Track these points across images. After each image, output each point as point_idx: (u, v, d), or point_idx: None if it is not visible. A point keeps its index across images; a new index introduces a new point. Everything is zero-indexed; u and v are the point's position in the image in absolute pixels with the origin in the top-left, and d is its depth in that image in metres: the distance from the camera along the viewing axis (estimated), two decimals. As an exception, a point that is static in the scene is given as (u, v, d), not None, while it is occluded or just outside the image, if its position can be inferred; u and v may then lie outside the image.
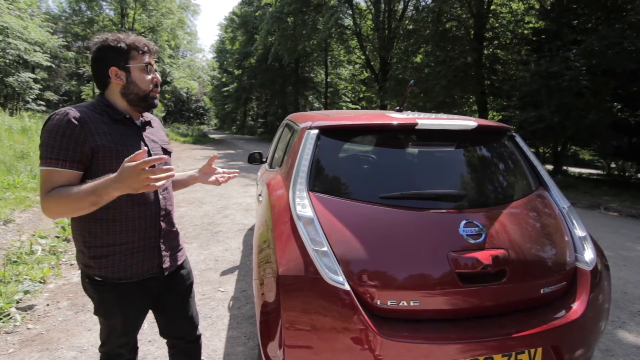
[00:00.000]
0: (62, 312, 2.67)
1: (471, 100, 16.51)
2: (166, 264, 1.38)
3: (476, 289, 1.31)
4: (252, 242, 1.35)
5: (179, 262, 1.47)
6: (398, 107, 2.06)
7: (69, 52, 25.76)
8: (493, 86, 14.39)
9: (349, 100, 29.98)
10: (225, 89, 35.63)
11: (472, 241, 1.34)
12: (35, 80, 19.72)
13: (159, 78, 1.34)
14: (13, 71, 17.81)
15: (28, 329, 2.44)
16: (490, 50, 14.97)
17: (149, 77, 1.30)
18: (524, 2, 14.89)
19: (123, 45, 1.25)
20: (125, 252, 1.27)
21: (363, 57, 20.94)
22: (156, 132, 1.44)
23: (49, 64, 19.94)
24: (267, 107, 33.28)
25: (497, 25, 14.93)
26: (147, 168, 1.00)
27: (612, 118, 9.58)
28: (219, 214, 5.60)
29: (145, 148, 1.13)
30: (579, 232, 1.57)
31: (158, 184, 1.01)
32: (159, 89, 1.35)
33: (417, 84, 14.86)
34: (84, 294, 2.97)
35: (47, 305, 2.76)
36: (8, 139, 8.24)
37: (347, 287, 1.25)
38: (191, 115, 35.13)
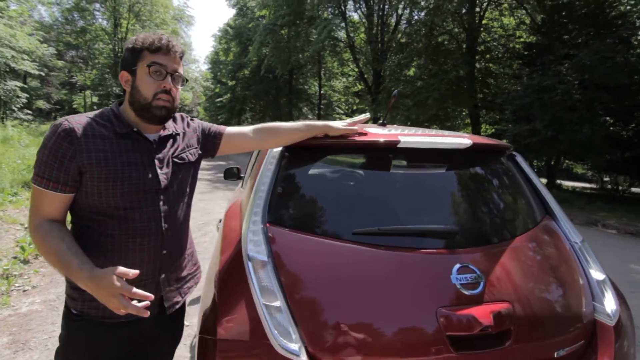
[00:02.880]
0: (-2, 351, 2.32)
1: (464, 113, 16.50)
2: (169, 302, 1.17)
3: (473, 356, 1.02)
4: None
5: (186, 297, 1.25)
6: (382, 121, 1.79)
7: (59, 61, 25.47)
8: (486, 99, 14.37)
9: (342, 112, 29.94)
10: (218, 99, 35.46)
11: (467, 292, 1.05)
12: (23, 89, 19.33)
13: (170, 83, 1.06)
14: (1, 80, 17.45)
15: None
16: (483, 63, 15.01)
17: (152, 80, 1.05)
18: (515, 17, 15.01)
19: (138, 44, 1.06)
20: None
21: (356, 69, 20.91)
22: (180, 143, 1.19)
23: (37, 72, 19.60)
24: (261, 118, 33.14)
25: (489, 39, 15.00)
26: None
27: (605, 132, 9.50)
28: (199, 231, 5.27)
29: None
30: (597, 274, 1.29)
31: (123, 312, 0.90)
32: (171, 97, 1.08)
33: (410, 97, 14.79)
34: (30, 328, 2.61)
35: (-18, 342, 2.40)
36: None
37: (303, 357, 0.95)
38: (183, 125, 35.12)
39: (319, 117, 27.32)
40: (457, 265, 1.09)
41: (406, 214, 1.25)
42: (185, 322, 2.69)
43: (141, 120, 1.09)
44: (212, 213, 6.39)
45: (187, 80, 1.16)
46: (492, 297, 1.07)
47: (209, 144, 1.30)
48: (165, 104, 1.07)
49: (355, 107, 29.67)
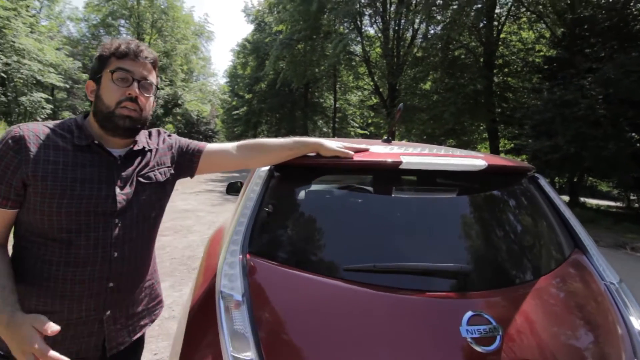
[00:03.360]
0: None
1: (481, 127, 16.14)
2: (111, 342, 0.99)
3: None
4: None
5: (137, 335, 1.07)
6: (387, 137, 1.63)
7: (84, 74, 26.44)
8: (504, 114, 14.03)
9: (357, 125, 29.89)
10: (235, 112, 36.06)
11: (480, 349, 0.86)
12: (48, 100, 20.05)
13: (136, 91, 0.95)
14: (26, 91, 18.15)
15: None
16: (501, 77, 14.72)
17: (116, 87, 0.94)
18: (534, 30, 14.73)
19: (105, 51, 0.96)
20: None
21: (372, 83, 20.85)
22: (150, 160, 1.06)
23: (62, 84, 20.34)
24: (277, 130, 33.43)
25: (507, 53, 14.73)
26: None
27: (632, 149, 9.03)
28: (204, 245, 5.15)
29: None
30: (638, 322, 1.07)
31: None
32: (138, 105, 0.97)
33: (426, 111, 14.58)
34: None
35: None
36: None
37: None
38: (200, 137, 35.67)
39: (334, 131, 27.30)
40: (469, 314, 0.90)
41: (408, 249, 1.06)
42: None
43: (105, 133, 0.97)
44: (220, 226, 6.29)
45: (158, 89, 1.04)
46: (512, 355, 0.87)
47: (186, 162, 1.16)
48: (130, 113, 0.95)
49: (370, 121, 29.57)
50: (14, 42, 16.33)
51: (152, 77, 1.01)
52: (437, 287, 0.97)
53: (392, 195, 1.18)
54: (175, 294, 3.48)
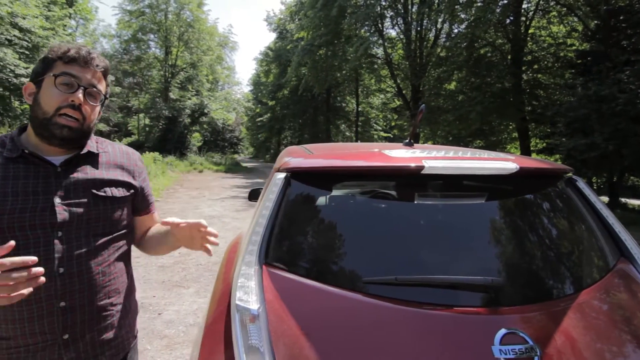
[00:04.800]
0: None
1: (511, 127, 15.56)
2: None
3: None
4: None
5: None
6: (408, 140, 1.56)
7: (117, 87, 27.74)
8: (535, 112, 13.45)
9: (380, 128, 29.61)
10: (259, 119, 36.69)
11: (515, 371, 0.78)
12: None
13: (80, 98, 0.90)
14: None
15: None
16: (530, 74, 14.14)
17: (58, 92, 0.89)
18: (565, 24, 14.08)
19: (52, 54, 0.92)
20: (5, 352, 0.85)
21: (394, 85, 20.61)
22: (104, 169, 1.00)
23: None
24: (300, 136, 33.69)
25: (536, 49, 14.14)
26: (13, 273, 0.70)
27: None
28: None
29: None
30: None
31: (14, 294, 0.71)
32: (81, 114, 0.92)
33: (451, 111, 14.21)
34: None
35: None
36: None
37: None
38: (226, 144, 36.44)
39: (357, 134, 27.16)
40: (502, 331, 0.82)
41: (433, 260, 0.99)
42: None
43: (41, 141, 0.92)
44: (245, 233, 6.35)
45: (106, 99, 0.99)
46: (552, 379, 0.79)
47: (139, 204, 1.13)
48: (69, 122, 0.90)
49: (393, 123, 29.23)
50: (53, 59, 17.37)
51: (101, 86, 0.97)
52: (465, 301, 0.90)
53: (415, 202, 1.11)
54: (201, 300, 3.51)
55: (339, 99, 30.11)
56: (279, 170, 1.22)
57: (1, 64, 14.26)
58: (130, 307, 1.08)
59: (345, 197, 1.18)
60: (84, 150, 0.97)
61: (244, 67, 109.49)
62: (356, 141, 25.55)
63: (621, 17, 10.18)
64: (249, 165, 30.15)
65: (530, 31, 13.82)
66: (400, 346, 0.83)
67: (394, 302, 0.89)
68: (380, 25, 19.30)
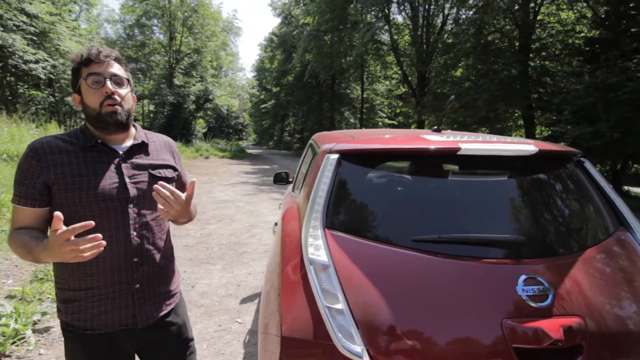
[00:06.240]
0: (77, 337, 2.58)
1: (516, 114, 15.60)
2: (142, 315, 1.16)
3: (541, 371, 0.98)
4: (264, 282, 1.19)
5: (163, 312, 1.22)
6: (436, 127, 1.77)
7: (121, 73, 27.72)
8: (541, 100, 13.49)
9: (385, 116, 29.56)
10: (263, 105, 36.62)
11: (534, 304, 1.02)
12: (90, 100, 21.25)
13: (110, 88, 1.08)
14: (71, 91, 19.35)
15: (40, 354, 2.35)
16: (538, 61, 14.11)
17: (93, 90, 1.07)
18: (575, 10, 13.97)
19: (75, 64, 1.09)
20: (91, 299, 1.09)
21: (400, 72, 20.57)
22: (155, 155, 1.23)
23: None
24: (304, 123, 33.67)
25: (544, 35, 14.08)
26: (72, 237, 0.89)
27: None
28: (247, 232, 5.47)
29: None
30: (680, 291, 1.18)
31: (86, 254, 0.91)
32: (116, 100, 1.09)
33: (457, 99, 14.25)
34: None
35: (64, 328, 2.69)
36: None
37: (366, 359, 0.98)
38: (230, 131, 36.48)
39: (362, 122, 27.18)
40: (523, 277, 1.06)
41: (468, 223, 1.23)
42: (238, 320, 2.83)
43: (102, 132, 1.12)
44: (259, 215, 6.61)
45: (129, 81, 1.15)
46: (562, 310, 1.02)
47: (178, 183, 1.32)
48: (113, 109, 1.09)
49: (398, 110, 29.17)
50: (59, 45, 17.41)
51: (120, 72, 1.12)
52: (495, 255, 1.13)
53: (451, 177, 1.34)
54: (228, 274, 3.79)
55: (344, 85, 29.99)
56: (330, 152, 1.43)
57: (10, 50, 14.39)
58: (174, 269, 1.32)
59: (390, 174, 1.41)
60: (138, 141, 1.19)
61: (247, 52, 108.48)
62: (361, 128, 25.58)
63: (631, 4, 10.14)
64: (253, 152, 30.34)
65: (538, 17, 13.73)
66: (443, 288, 1.07)
67: (436, 255, 1.12)
68: (387, 10, 19.15)
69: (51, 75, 17.26)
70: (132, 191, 1.12)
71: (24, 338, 2.45)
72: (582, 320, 1.02)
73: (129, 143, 1.18)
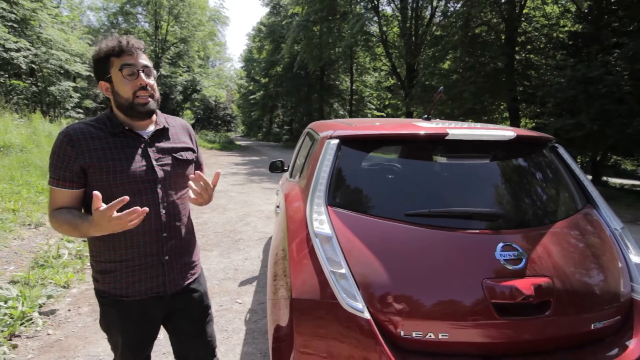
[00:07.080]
0: (82, 318, 2.68)
1: (502, 107, 15.96)
2: (171, 283, 1.29)
3: (515, 322, 1.15)
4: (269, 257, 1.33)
5: (188, 281, 1.36)
6: (426, 115, 1.93)
7: (106, 63, 27.09)
8: (526, 92, 13.82)
9: (374, 107, 29.71)
10: (252, 96, 36.34)
11: (510, 267, 1.19)
12: (75, 89, 20.79)
13: (144, 79, 1.15)
14: (55, 80, 18.89)
15: (48, 334, 2.45)
16: (523, 55, 14.42)
17: (128, 81, 1.14)
18: (559, 5, 14.29)
19: (102, 53, 1.15)
20: (126, 270, 1.21)
21: (389, 63, 20.70)
22: (175, 138, 1.33)
23: (88, 73, 21.01)
24: (293, 114, 33.63)
25: (530, 29, 14.38)
26: (115, 213, 1.00)
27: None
28: (241, 221, 5.59)
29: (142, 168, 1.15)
30: (635, 257, 1.37)
31: (132, 223, 1.04)
32: (149, 91, 1.18)
33: (445, 91, 14.48)
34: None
35: (69, 310, 2.78)
36: (47, 145, 8.66)
37: (366, 314, 1.13)
38: (219, 122, 36.12)
39: (351, 113, 27.30)
40: (501, 244, 1.23)
41: (454, 199, 1.39)
42: (238, 300, 2.97)
43: (130, 119, 1.20)
44: (252, 205, 6.72)
45: (156, 71, 1.25)
46: (534, 272, 1.19)
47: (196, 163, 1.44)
48: (146, 100, 1.18)
49: (387, 102, 29.36)
50: (41, 33, 16.94)
51: (148, 62, 1.19)
52: (477, 226, 1.30)
53: (439, 160, 1.50)
54: (225, 260, 3.91)
55: (333, 77, 29.98)
56: (331, 138, 1.57)
57: (-10, 38, 13.97)
58: (196, 244, 1.45)
59: (385, 157, 1.55)
60: (160, 126, 1.28)
61: (235, 42, 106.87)
62: (350, 119, 25.64)
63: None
64: (242, 143, 30.19)
65: (524, 11, 14.00)
66: (432, 255, 1.23)
67: (427, 227, 1.28)
68: (376, 1, 19.20)
69: (32, 65, 16.82)
70: (160, 173, 1.23)
71: (31, 319, 2.54)
72: (550, 280, 1.19)
73: (152, 128, 1.27)
